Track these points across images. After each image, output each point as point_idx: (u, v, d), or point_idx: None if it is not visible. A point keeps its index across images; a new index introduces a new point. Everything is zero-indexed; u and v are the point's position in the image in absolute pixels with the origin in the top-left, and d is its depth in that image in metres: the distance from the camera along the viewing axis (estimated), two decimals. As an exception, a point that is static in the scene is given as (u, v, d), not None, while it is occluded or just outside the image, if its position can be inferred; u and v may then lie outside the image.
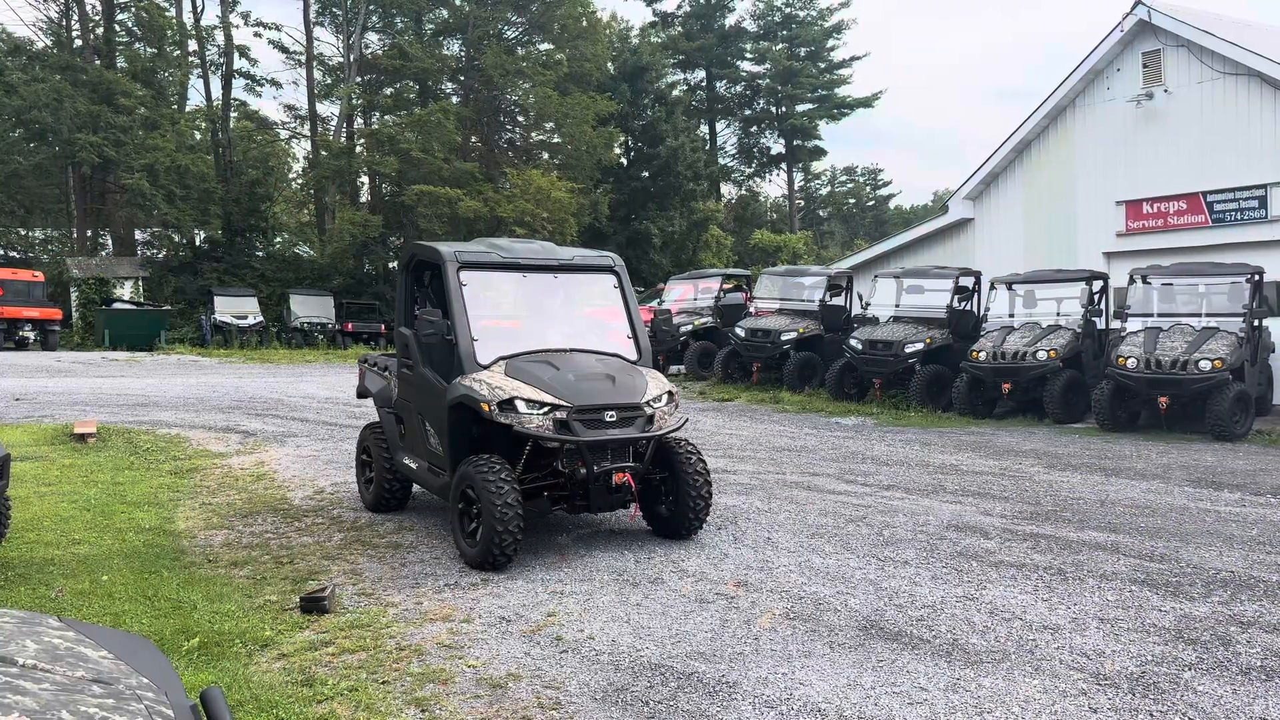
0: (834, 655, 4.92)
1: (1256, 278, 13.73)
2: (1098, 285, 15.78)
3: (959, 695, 4.41)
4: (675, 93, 50.44)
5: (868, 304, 18.37)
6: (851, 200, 66.66)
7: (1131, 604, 5.74)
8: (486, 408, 6.41)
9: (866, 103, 54.02)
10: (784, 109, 53.87)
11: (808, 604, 5.75)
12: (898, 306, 17.82)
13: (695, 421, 14.65)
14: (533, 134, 44.14)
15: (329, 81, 43.06)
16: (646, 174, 45.79)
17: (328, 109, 43.48)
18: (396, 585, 6.15)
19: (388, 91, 42.03)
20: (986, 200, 19.82)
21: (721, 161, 55.23)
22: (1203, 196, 16.11)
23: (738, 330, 19.27)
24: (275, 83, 45.12)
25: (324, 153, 39.39)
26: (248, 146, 39.64)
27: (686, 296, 23.23)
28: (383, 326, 34.49)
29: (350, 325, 33.62)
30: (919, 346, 16.33)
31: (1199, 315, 14.08)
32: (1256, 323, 13.63)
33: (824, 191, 66.06)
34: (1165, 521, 7.99)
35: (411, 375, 7.47)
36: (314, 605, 5.57)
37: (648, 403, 6.80)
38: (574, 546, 7.10)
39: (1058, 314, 15.90)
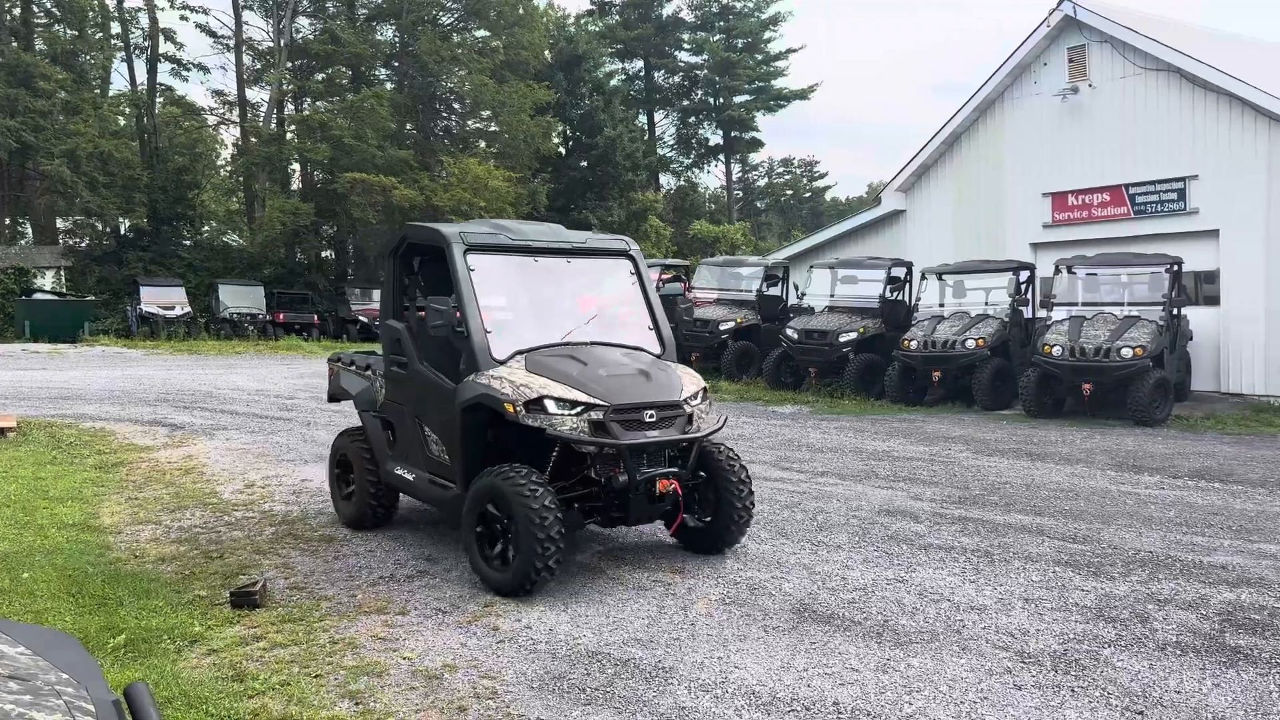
0: (768, 639, 5.00)
1: (1176, 268, 14.19)
2: (1024, 275, 16.19)
3: (889, 675, 4.51)
4: (613, 82, 50.32)
5: (803, 294, 18.61)
6: (789, 192, 67.21)
7: (1055, 584, 5.92)
8: (511, 409, 5.63)
9: (802, 95, 54.51)
10: (722, 100, 54.08)
11: (743, 589, 5.82)
12: (833, 296, 18.08)
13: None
14: (469, 122, 43.72)
15: (259, 67, 42.08)
16: (585, 163, 45.65)
17: (257, 95, 42.57)
18: (330, 579, 6.07)
19: (319, 77, 41.21)
20: (918, 192, 20.17)
21: (660, 152, 55.28)
22: (1125, 189, 16.60)
23: (683, 319, 19.34)
24: (203, 68, 43.84)
25: (253, 139, 38.53)
26: (174, 133, 38.57)
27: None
28: (315, 317, 33.92)
29: (282, 316, 32.98)
30: (853, 336, 16.59)
31: (1121, 304, 14.53)
32: (1176, 311, 14.10)
33: (762, 183, 66.51)
34: (1088, 504, 8.24)
35: (406, 374, 6.64)
36: (245, 600, 5.47)
37: (686, 400, 6.07)
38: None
39: (986, 303, 16.28)
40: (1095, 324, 13.85)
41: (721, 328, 18.80)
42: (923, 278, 17.28)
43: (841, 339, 16.55)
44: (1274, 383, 14.68)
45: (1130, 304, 14.44)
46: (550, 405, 5.65)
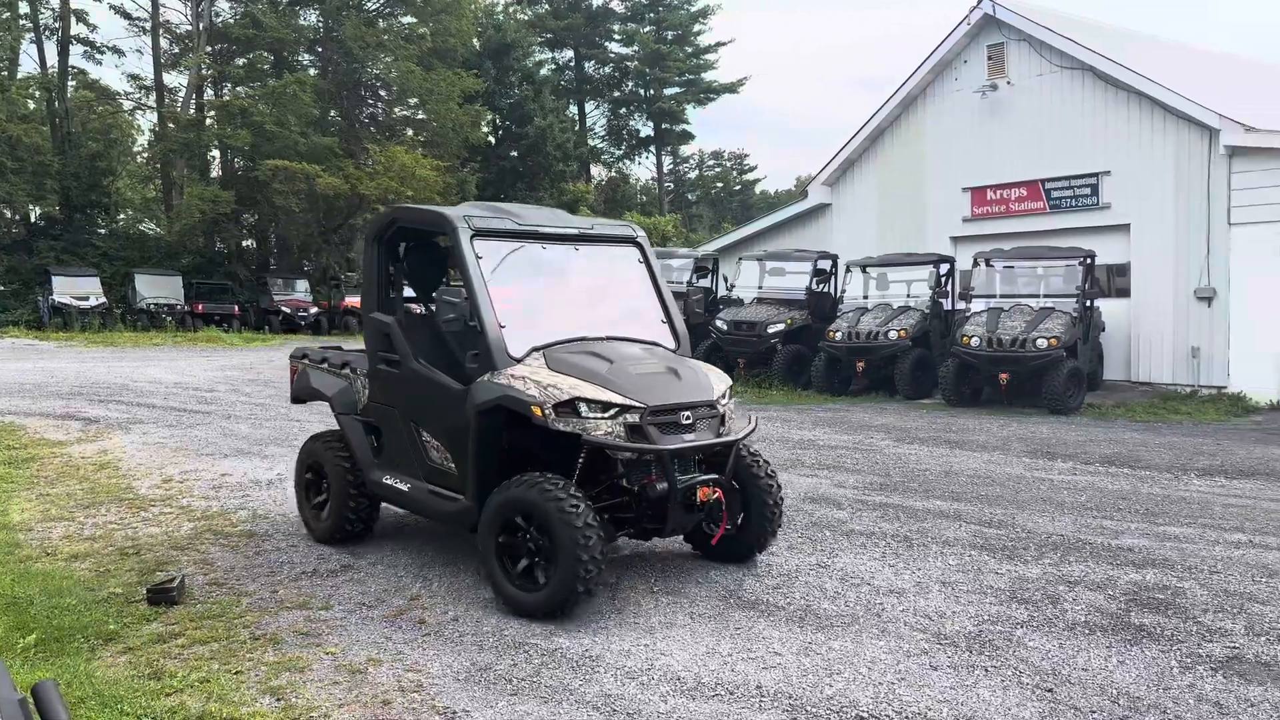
0: (694, 625, 5.06)
1: (1089, 261, 14.69)
2: (944, 268, 16.60)
3: (810, 659, 4.61)
4: (543, 72, 50.06)
5: (733, 285, 18.79)
6: (719, 184, 67.64)
7: (971, 568, 6.11)
8: (539, 412, 5.11)
9: (732, 89, 54.87)
10: (652, 92, 54.18)
11: (670, 577, 5.88)
12: (761, 288, 18.32)
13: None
14: (396, 109, 43.04)
15: (176, 51, 40.80)
16: (515, 153, 45.36)
17: (175, 79, 41.28)
18: (251, 574, 5.96)
19: (240, 62, 40.13)
20: (843, 186, 20.48)
21: (591, 143, 55.17)
22: (1042, 184, 17.09)
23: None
24: (117, 51, 42.25)
25: (171, 125, 37.33)
26: (87, 117, 37.22)
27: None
28: (236, 308, 33.12)
29: (201, 306, 32.14)
30: (780, 327, 16.83)
31: (1037, 296, 14.99)
32: (1089, 303, 14.60)
33: (693, 175, 66.82)
34: (1003, 490, 8.50)
35: (397, 374, 6.05)
36: (162, 596, 5.35)
37: (719, 400, 5.66)
38: (437, 531, 7.03)
39: (908, 295, 16.66)
40: (1012, 315, 14.26)
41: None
42: (847, 270, 17.60)
43: (769, 330, 16.77)
44: (1180, 372, 15.30)
45: (1045, 296, 14.91)
46: (582, 408, 5.14)
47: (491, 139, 46.06)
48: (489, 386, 5.35)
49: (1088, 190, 16.53)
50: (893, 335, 15.31)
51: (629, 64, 53.95)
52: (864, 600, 5.47)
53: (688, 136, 57.29)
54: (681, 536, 6.11)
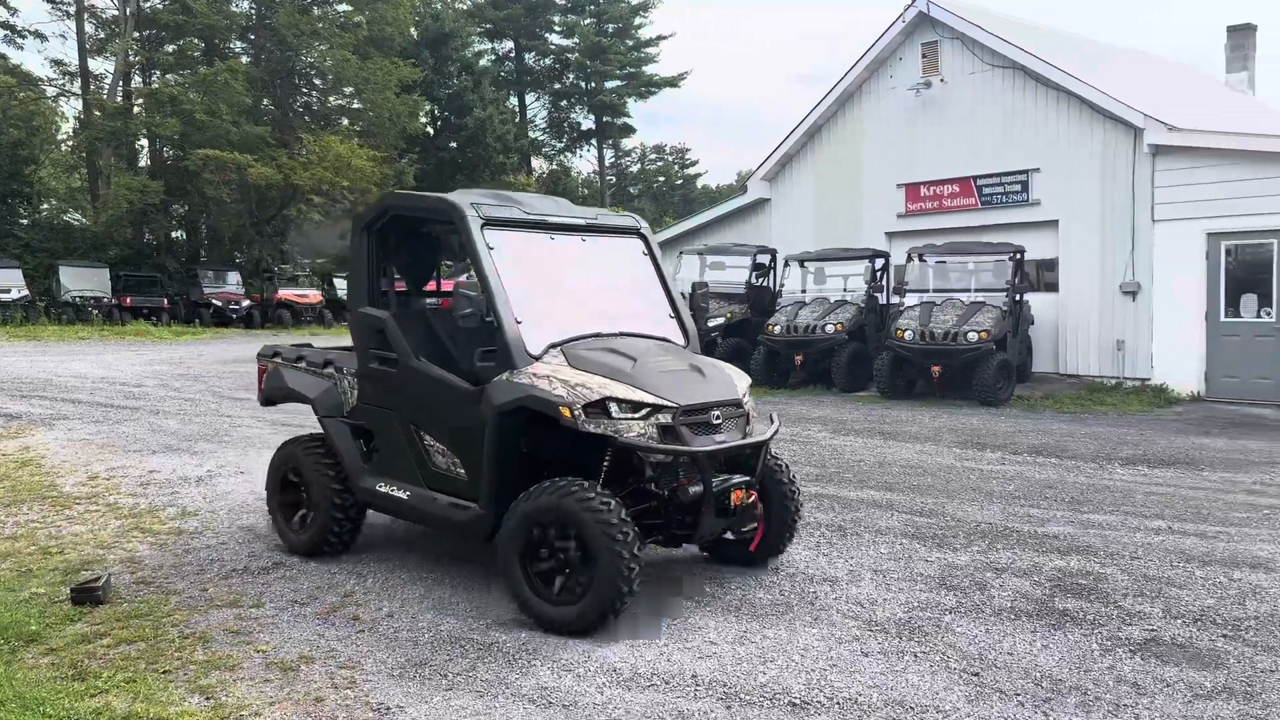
0: (632, 617, 5.07)
1: (1018, 256, 15.03)
2: (880, 263, 16.88)
3: (745, 647, 4.67)
4: (482, 62, 49.64)
5: (674, 279, 18.83)
6: (661, 178, 67.80)
7: (902, 556, 6.23)
8: (567, 413, 4.82)
9: (673, 82, 55.03)
10: (593, 85, 54.07)
11: (607, 570, 5.89)
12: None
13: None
14: (331, 98, 42.28)
15: (102, 36, 39.55)
16: (454, 144, 44.95)
17: (101, 66, 40.00)
18: (180, 572, 5.84)
19: (169, 49, 39.07)
20: (782, 181, 20.67)
21: (532, 135, 54.88)
22: (974, 181, 17.42)
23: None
24: (40, 35, 40.75)
25: (97, 113, 36.21)
26: (8, 104, 35.83)
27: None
28: (165, 301, 32.30)
29: (128, 299, 31.26)
30: (721, 321, 16.95)
31: (968, 290, 15.31)
32: (1018, 297, 14.95)
33: (634, 169, 66.88)
34: (935, 480, 8.68)
35: (394, 373, 5.67)
36: (86, 596, 5.22)
37: (743, 399, 5.46)
38: (372, 526, 6.96)
39: (844, 290, 16.90)
40: (944, 309, 14.55)
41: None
42: (786, 265, 17.79)
43: (710, 324, 16.87)
44: (1106, 364, 15.74)
45: (976, 290, 15.24)
46: (613, 408, 4.86)
47: (430, 129, 45.56)
48: (509, 386, 5.01)
49: (1018, 187, 16.90)
50: (830, 329, 15.52)
51: (569, 56, 53.79)
52: (798, 589, 5.54)
53: (629, 130, 57.34)
54: (752, 548, 5.84)
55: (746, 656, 4.56)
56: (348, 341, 7.03)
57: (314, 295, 35.48)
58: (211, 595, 5.41)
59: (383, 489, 5.77)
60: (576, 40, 52.98)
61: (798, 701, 4.09)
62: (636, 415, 4.88)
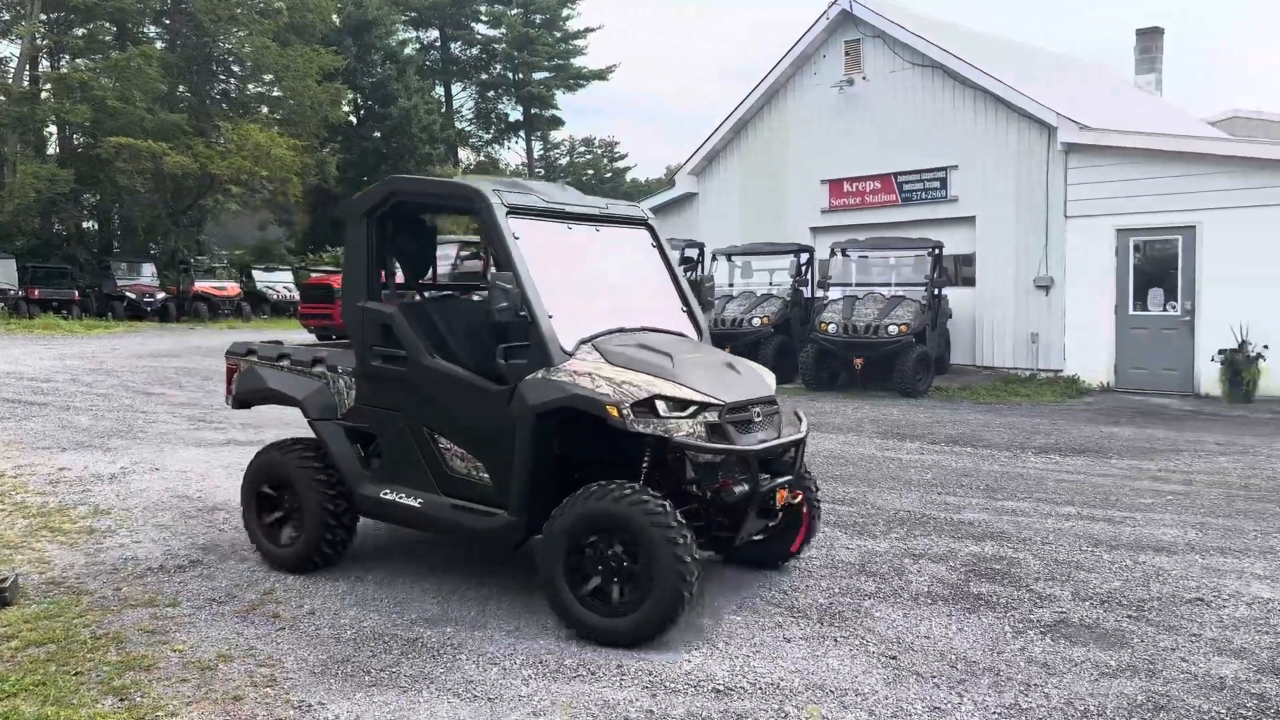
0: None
1: (937, 251, 15.41)
2: (804, 257, 17.15)
3: (670, 636, 4.72)
4: (407, 51, 48.94)
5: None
6: (590, 171, 67.67)
7: (824, 544, 6.35)
8: (615, 412, 4.58)
9: (601, 75, 54.97)
10: (521, 76, 53.73)
11: (535, 563, 5.89)
12: (628, 275, 18.43)
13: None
14: (250, 86, 41.22)
15: (7, 18, 37.92)
16: (378, 134, 44.26)
17: (6, 49, 38.46)
18: (91, 572, 5.67)
19: (79, 32, 37.62)
20: (709, 176, 20.82)
21: (458, 126, 54.33)
22: (894, 177, 17.78)
23: (473, 298, 19.14)
24: (-63, 14, 39.00)
25: (2, 98, 34.72)
26: (-97, 86, 34.27)
27: (423, 263, 22.74)
28: (76, 293, 31.17)
29: (37, 292, 30.08)
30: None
31: (889, 285, 15.65)
32: (937, 291, 15.33)
33: (563, 161, 66.64)
34: (856, 469, 8.87)
35: (405, 371, 5.29)
36: (-9, 599, 5.03)
37: (775, 396, 5.34)
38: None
39: (770, 283, 17.14)
40: (866, 303, 14.85)
41: (519, 305, 18.75)
42: (713, 258, 17.95)
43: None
44: (1021, 356, 16.23)
45: (897, 285, 15.59)
46: (661, 407, 4.63)
47: (353, 119, 44.79)
48: (548, 385, 4.73)
49: (937, 184, 17.30)
50: (756, 322, 15.72)
51: (496, 47, 53.33)
52: (722, 578, 5.62)
53: (557, 122, 57.12)
54: (793, 549, 5.73)
55: (671, 645, 4.61)
56: (271, 335, 6.85)
57: (232, 288, 34.61)
58: (125, 595, 5.27)
59: (388, 496, 5.37)
60: (503, 31, 52.55)
61: (721, 688, 4.15)
62: (684, 414, 4.68)
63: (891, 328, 14.13)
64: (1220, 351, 13.57)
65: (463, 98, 56.10)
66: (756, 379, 5.32)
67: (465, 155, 55.83)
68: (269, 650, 4.53)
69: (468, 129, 56.10)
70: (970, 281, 17.07)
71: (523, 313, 4.84)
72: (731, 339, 15.71)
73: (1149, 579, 5.70)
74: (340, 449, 5.57)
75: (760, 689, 4.15)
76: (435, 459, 5.28)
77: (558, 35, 54.00)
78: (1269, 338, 13.23)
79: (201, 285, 33.54)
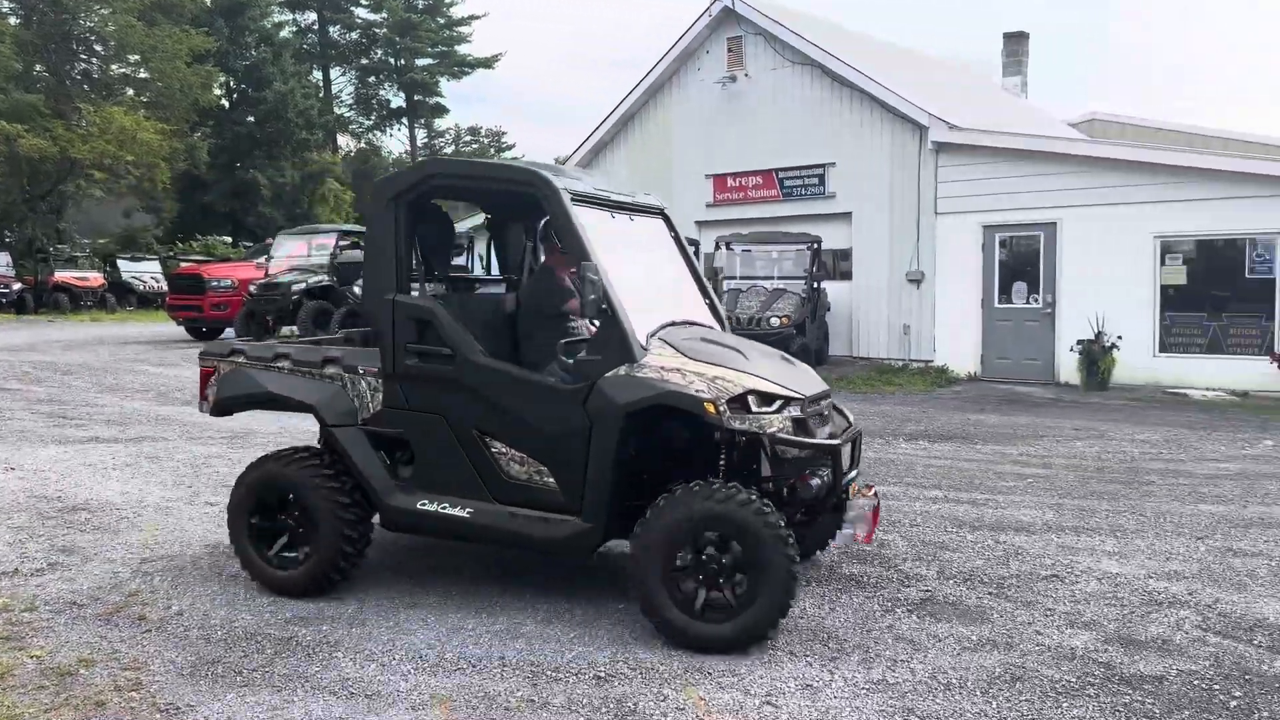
0: (441, 603, 5.06)
1: (816, 246, 15.85)
2: (691, 250, 17.30)
3: (553, 627, 4.74)
4: (283, 34, 47.34)
5: (488, 266, 18.69)
6: (475, 160, 66.86)
7: (705, 532, 6.46)
8: (713, 409, 4.43)
9: (487, 63, 54.35)
10: (403, 62, 52.64)
11: (418, 556, 5.83)
12: (515, 267, 18.32)
13: (307, 383, 14.05)
14: (114, 67, 39.15)
15: None
16: (252, 119, 42.72)
17: None
18: (-63, 578, 5.34)
19: (-79, 3, 35.13)
20: (596, 169, 20.84)
21: (338, 111, 52.91)
22: (776, 173, 18.18)
23: (356, 289, 18.76)
24: None
25: None
26: None
27: (299, 253, 22.07)
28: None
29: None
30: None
31: (771, 278, 16.01)
32: (816, 285, 15.75)
33: (449, 150, 65.63)
34: (738, 459, 9.03)
35: (450, 370, 4.91)
36: None
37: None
38: (161, 521, 6.59)
39: (775, 275, 17.22)
40: (749, 296, 15.17)
41: (401, 297, 18.44)
42: (716, 246, 17.99)
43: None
44: (895, 348, 16.83)
45: (779, 278, 15.96)
46: (752, 402, 4.52)
47: (225, 102, 43.10)
48: (637, 382, 4.52)
49: (816, 180, 17.76)
50: (775, 322, 15.75)
51: (378, 31, 52.09)
52: (606, 565, 5.67)
53: (442, 110, 56.21)
54: (866, 540, 5.51)
55: (554, 636, 4.64)
56: (137, 328, 6.52)
57: (95, 278, 32.87)
58: (-26, 602, 4.99)
59: (427, 507, 4.97)
60: (385, 15, 51.37)
61: (603, 675, 4.20)
62: (771, 409, 4.59)
63: (773, 319, 14.46)
64: (1079, 342, 14.35)
65: (342, 83, 54.70)
66: (813, 373, 5.29)
67: (345, 142, 54.42)
68: (134, 653, 4.36)
69: (347, 115, 54.68)
70: (848, 275, 17.59)
71: (605, 305, 4.57)
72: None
73: (1009, 557, 6.01)
74: (364, 457, 5.07)
75: (640, 673, 4.22)
76: (487, 464, 4.92)
77: (441, 21, 53.11)
78: (1122, 329, 14.06)
79: (62, 275, 31.74)
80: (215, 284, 21.76)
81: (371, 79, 54.27)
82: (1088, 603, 5.19)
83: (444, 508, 4.94)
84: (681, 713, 3.86)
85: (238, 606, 4.97)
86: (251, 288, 20.51)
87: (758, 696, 4.02)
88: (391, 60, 53.01)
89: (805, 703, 3.97)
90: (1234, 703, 3.97)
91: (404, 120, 56.06)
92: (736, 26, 18.44)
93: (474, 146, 67.83)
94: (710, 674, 4.23)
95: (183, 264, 29.44)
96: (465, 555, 5.84)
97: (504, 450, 4.89)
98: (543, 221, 5.83)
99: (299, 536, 5.12)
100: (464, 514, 4.90)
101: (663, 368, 4.55)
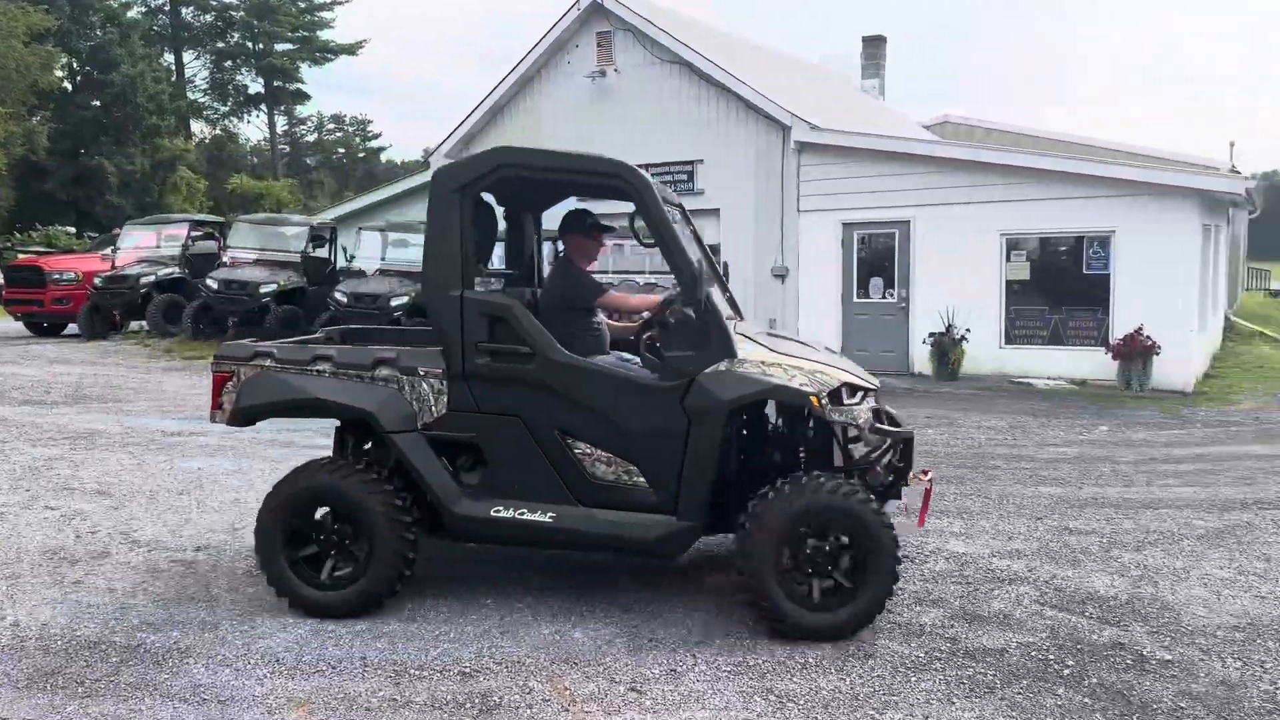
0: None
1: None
2: (561, 245, 17.32)
3: (417, 625, 4.68)
4: (131, 14, 44.88)
5: (353, 257, 18.25)
6: (341, 150, 64.90)
7: (574, 525, 6.50)
8: (817, 402, 4.53)
9: (351, 50, 52.89)
10: (261, 46, 50.67)
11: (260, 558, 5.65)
12: (384, 260, 17.97)
13: (161, 382, 13.45)
14: (-60, 43, 36.40)
15: None
16: (98, 103, 40.37)
17: None
18: None
19: None
20: (465, 159, 20.57)
21: (191, 96, 50.49)
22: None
23: (209, 282, 17.97)
24: None
25: None
26: None
27: (149, 244, 21.01)
28: None
29: None
30: (405, 300, 16.63)
31: (643, 272, 16.16)
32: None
33: (311, 138, 63.51)
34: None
35: (530, 369, 4.72)
36: None
37: None
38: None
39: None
40: (622, 290, 15.27)
41: (263, 290, 17.79)
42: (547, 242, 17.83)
43: (393, 303, 16.51)
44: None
45: (650, 273, 16.13)
46: (844, 394, 4.65)
47: (68, 85, 40.57)
48: (741, 378, 4.54)
49: (685, 177, 18.00)
50: None
51: (234, 14, 49.98)
52: (469, 558, 5.64)
53: (303, 96, 54.46)
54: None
55: (418, 634, 4.59)
56: None
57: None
58: None
59: (503, 514, 4.76)
60: (242, -2, 49.37)
61: (468, 670, 4.18)
62: (856, 400, 4.72)
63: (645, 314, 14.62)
64: (930, 335, 15.02)
65: (196, 66, 52.26)
66: (858, 366, 5.38)
67: (199, 128, 52.01)
68: (-38, 670, 4.10)
69: (201, 100, 52.26)
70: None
71: (704, 302, 4.55)
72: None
73: (864, 541, 6.25)
74: (428, 464, 4.79)
75: (506, 668, 4.22)
76: (570, 466, 4.78)
77: (302, 5, 51.35)
78: (971, 322, 14.79)
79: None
80: (57, 277, 20.51)
81: (228, 63, 52.06)
82: (936, 581, 5.46)
83: (522, 514, 4.77)
84: (547, 704, 3.89)
85: (81, 615, 4.73)
86: (97, 280, 19.44)
87: (623, 684, 4.08)
88: (249, 44, 50.98)
89: (669, 688, 4.06)
90: (1067, 671, 4.26)
91: (262, 107, 53.99)
92: (606, 21, 18.48)
93: (337, 135, 65.91)
94: (577, 664, 4.27)
95: (20, 255, 27.58)
96: (327, 555, 5.70)
97: (588, 451, 4.78)
98: (566, 214, 5.67)
99: (345, 553, 4.81)
100: (546, 519, 4.75)
101: (762, 362, 4.60)
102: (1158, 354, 13.03)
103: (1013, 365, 14.67)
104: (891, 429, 4.85)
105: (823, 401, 4.54)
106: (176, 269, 19.94)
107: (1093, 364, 13.89)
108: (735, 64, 18.10)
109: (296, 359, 5.01)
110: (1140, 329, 13.11)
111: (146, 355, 16.74)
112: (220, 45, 51.37)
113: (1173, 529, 6.55)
